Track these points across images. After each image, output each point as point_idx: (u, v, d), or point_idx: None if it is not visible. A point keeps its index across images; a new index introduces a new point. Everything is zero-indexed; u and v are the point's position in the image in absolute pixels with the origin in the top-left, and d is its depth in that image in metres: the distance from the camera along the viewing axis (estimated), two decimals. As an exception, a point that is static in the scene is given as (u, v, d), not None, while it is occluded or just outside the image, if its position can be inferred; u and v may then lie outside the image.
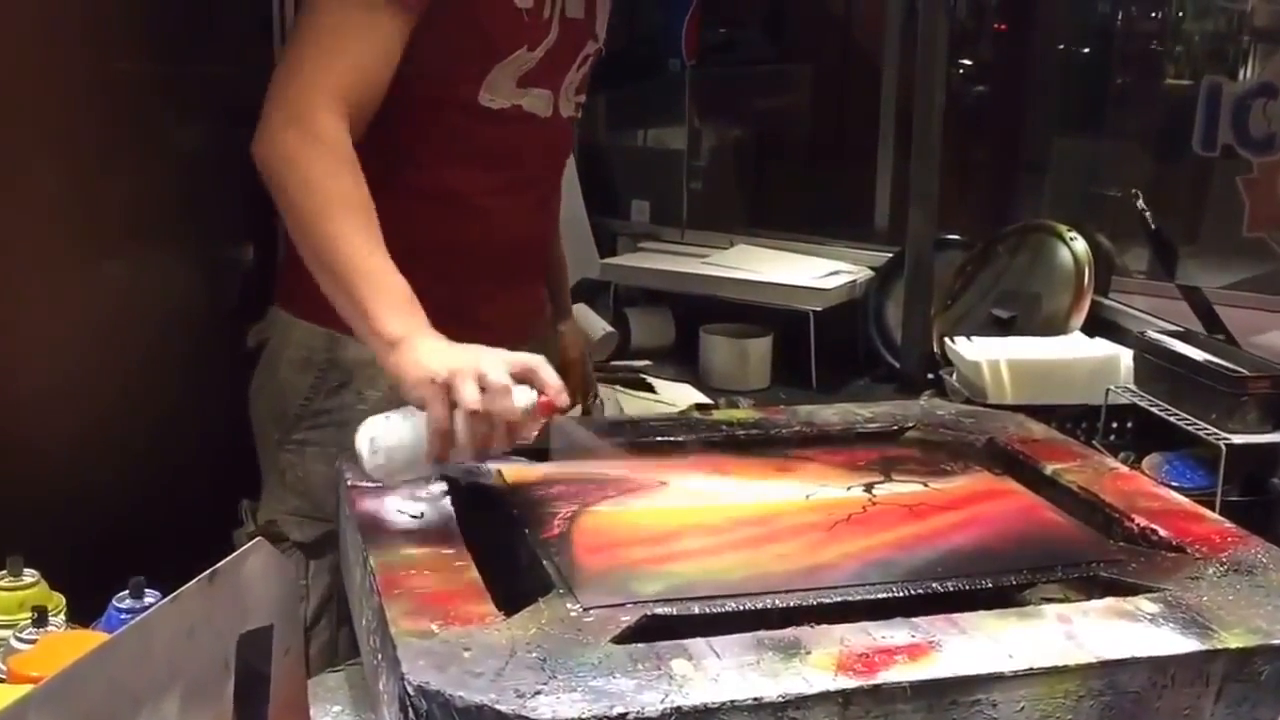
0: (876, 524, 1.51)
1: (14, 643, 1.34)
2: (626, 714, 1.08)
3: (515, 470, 1.65)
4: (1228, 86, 2.96)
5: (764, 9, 4.26)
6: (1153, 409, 2.38)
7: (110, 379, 1.98)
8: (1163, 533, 1.45)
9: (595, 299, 3.36)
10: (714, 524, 1.52)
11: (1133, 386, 2.48)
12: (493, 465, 1.63)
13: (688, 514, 1.56)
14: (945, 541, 1.45)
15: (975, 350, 2.66)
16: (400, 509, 1.52)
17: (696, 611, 1.30)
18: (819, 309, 3.19)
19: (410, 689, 1.12)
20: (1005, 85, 3.81)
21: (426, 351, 1.46)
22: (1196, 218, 3.29)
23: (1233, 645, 1.19)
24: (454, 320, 1.83)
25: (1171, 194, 3.27)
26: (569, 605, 1.29)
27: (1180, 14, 3.41)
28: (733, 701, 1.10)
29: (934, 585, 1.35)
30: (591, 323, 3.26)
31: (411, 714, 1.11)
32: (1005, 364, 2.57)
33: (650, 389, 2.99)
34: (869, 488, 1.61)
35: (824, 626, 1.22)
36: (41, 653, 1.28)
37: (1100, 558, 1.41)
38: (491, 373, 1.41)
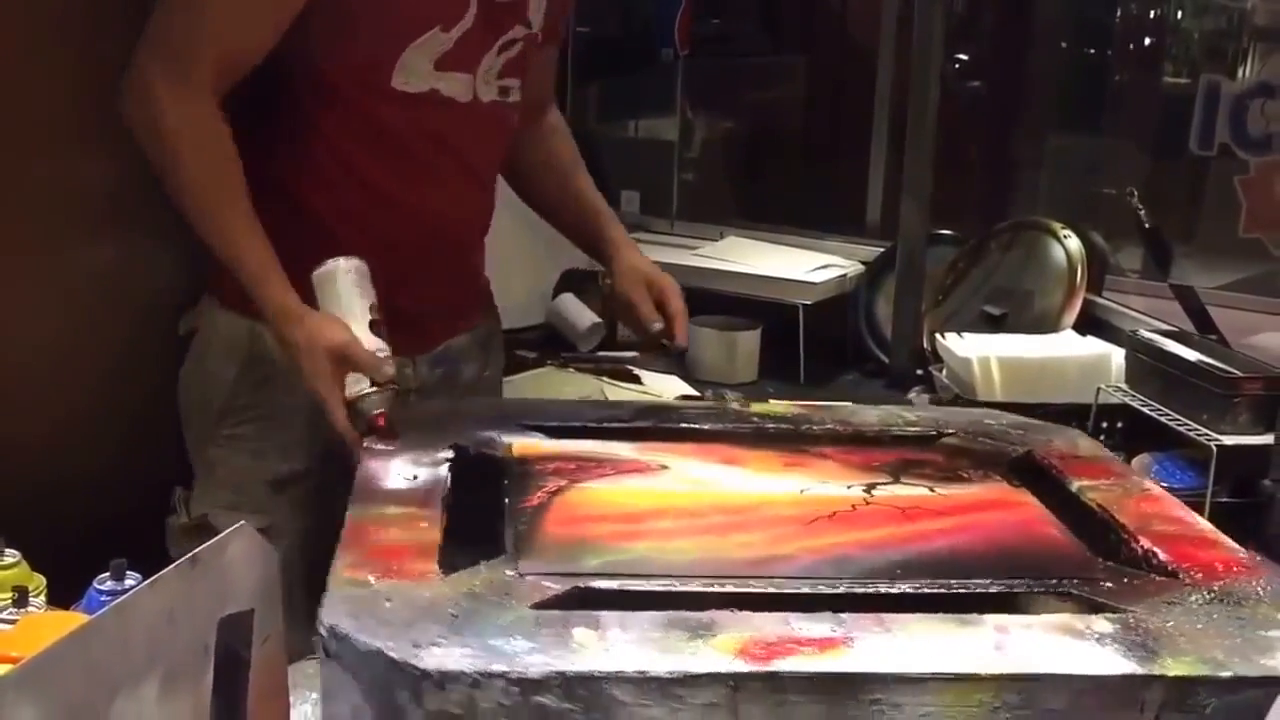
0: (858, 523, 1.48)
1: None
2: (507, 673, 1.09)
3: (526, 444, 1.67)
4: (1226, 85, 2.96)
5: (758, 0, 4.26)
6: (1144, 409, 2.37)
7: (92, 361, 1.97)
8: (1162, 556, 1.38)
9: (583, 289, 3.35)
10: (691, 508, 1.52)
11: (1124, 386, 2.48)
12: (505, 439, 1.67)
13: (670, 497, 1.55)
14: (919, 545, 1.42)
15: (966, 347, 2.66)
16: (401, 472, 1.54)
17: (615, 587, 1.29)
18: (809, 303, 3.18)
19: (324, 629, 1.14)
20: (1001, 81, 3.82)
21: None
22: (1192, 217, 3.30)
23: (1172, 673, 1.12)
24: (392, 320, 1.81)
25: (1168, 193, 3.28)
26: (508, 570, 1.30)
27: (1179, 12, 3.42)
28: (618, 672, 1.10)
29: (877, 586, 1.32)
30: (578, 313, 3.26)
31: (324, 653, 1.14)
32: (995, 361, 2.57)
33: (637, 380, 2.97)
34: (870, 488, 1.58)
35: (745, 613, 1.20)
36: (21, 633, 1.28)
37: (1078, 575, 1.35)
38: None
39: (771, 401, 1.97)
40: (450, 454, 1.59)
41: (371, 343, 1.66)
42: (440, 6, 1.73)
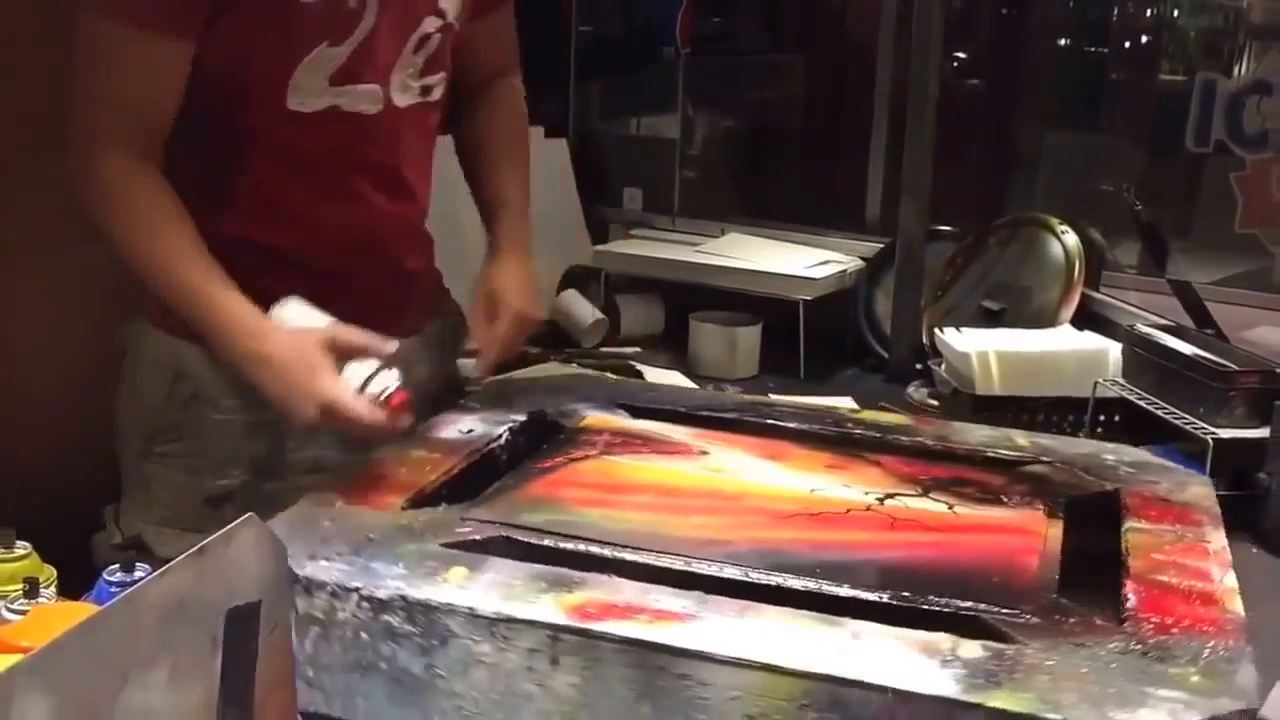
0: (834, 525, 1.47)
1: (5, 613, 1.36)
2: (361, 588, 1.23)
3: (599, 418, 1.75)
4: (1222, 83, 2.98)
5: (759, -1, 4.28)
6: (1140, 402, 2.39)
7: (104, 354, 1.99)
8: (1131, 603, 1.30)
9: (586, 286, 3.37)
10: (682, 489, 1.55)
11: (1121, 380, 2.49)
12: (586, 411, 1.75)
13: (674, 477, 1.59)
14: (868, 553, 1.41)
15: (965, 341, 2.67)
16: (461, 425, 1.68)
17: (530, 540, 1.39)
18: (809, 298, 3.18)
19: None
20: (999, 78, 3.83)
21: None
22: (1189, 213, 3.31)
23: (991, 704, 1.09)
24: None
25: (1164, 189, 3.29)
26: (458, 514, 1.42)
27: (1175, 10, 3.42)
28: (451, 605, 1.20)
29: (765, 577, 1.33)
30: (581, 309, 3.27)
31: None
32: (994, 355, 2.58)
33: (639, 376, 2.99)
34: (886, 497, 1.56)
35: (618, 579, 1.26)
36: (32, 623, 1.29)
37: (1007, 604, 1.28)
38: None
39: (886, 414, 1.94)
40: (523, 417, 1.69)
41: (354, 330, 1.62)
42: (323, 22, 1.66)
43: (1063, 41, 3.75)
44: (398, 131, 1.80)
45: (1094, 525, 1.55)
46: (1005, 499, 1.59)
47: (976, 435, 1.81)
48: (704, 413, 1.82)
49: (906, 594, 1.29)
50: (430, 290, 2.03)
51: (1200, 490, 1.66)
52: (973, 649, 1.16)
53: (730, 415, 1.81)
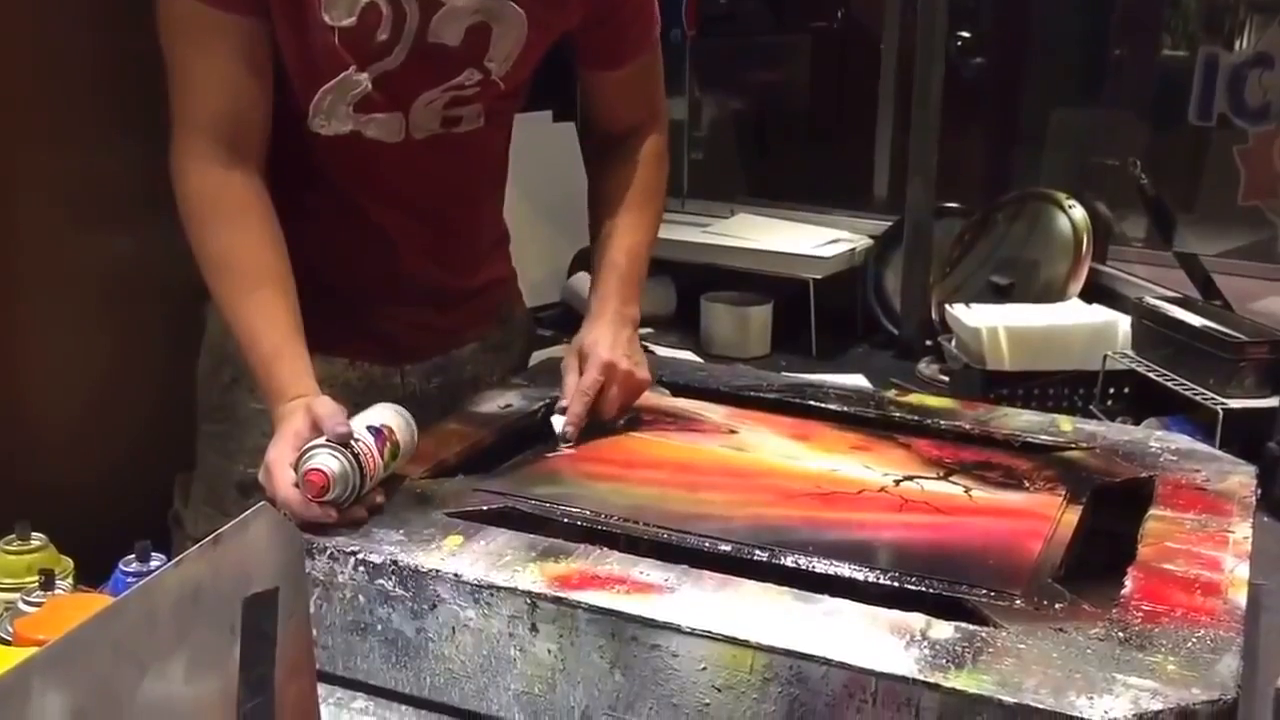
0: (840, 504, 1.46)
1: (21, 605, 1.34)
2: (357, 552, 1.29)
3: (644, 397, 1.75)
4: (1224, 57, 3.00)
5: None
6: (1150, 374, 2.40)
7: (118, 347, 2.01)
8: (1128, 588, 1.26)
9: (598, 268, 3.38)
10: (699, 466, 1.57)
11: (1130, 352, 2.51)
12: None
13: (694, 454, 1.61)
14: (867, 533, 1.39)
15: (974, 317, 2.69)
16: (501, 401, 1.75)
17: (532, 511, 1.42)
18: (819, 277, 3.21)
19: None
20: (1003, 56, 3.82)
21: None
22: (1193, 187, 3.31)
23: (949, 684, 1.07)
24: (359, 335, 1.81)
25: (1168, 163, 3.29)
26: (472, 485, 1.47)
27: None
28: (437, 571, 1.25)
29: (752, 552, 1.33)
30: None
31: None
32: (1004, 330, 2.60)
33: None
34: (903, 479, 1.54)
35: (608, 551, 1.29)
36: (48, 615, 1.28)
37: (996, 587, 1.25)
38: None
39: (934, 398, 1.92)
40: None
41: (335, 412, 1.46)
42: (348, 48, 1.61)
43: (1065, 18, 3.74)
44: (421, 160, 1.74)
45: (1120, 512, 1.50)
46: (1028, 484, 1.54)
47: (1019, 420, 1.77)
48: (747, 393, 1.83)
49: (893, 573, 1.29)
50: (489, 307, 1.98)
51: (1240, 479, 1.58)
52: (944, 630, 1.15)
53: (773, 396, 1.82)
